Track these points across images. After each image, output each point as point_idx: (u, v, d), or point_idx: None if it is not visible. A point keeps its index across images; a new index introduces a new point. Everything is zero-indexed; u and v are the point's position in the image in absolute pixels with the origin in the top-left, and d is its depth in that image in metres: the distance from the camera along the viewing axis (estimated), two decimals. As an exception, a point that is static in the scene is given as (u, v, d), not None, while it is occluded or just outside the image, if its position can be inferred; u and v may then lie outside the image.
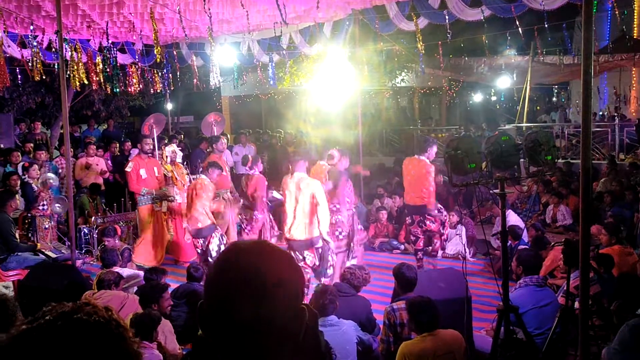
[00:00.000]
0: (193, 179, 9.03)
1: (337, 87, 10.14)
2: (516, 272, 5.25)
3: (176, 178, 8.74)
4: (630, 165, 11.22)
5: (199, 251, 7.36)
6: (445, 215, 7.68)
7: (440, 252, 8.48)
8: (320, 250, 6.49)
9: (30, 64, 9.40)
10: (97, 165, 10.58)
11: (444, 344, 3.96)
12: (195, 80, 11.18)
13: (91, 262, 8.35)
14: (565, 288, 4.64)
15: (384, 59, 14.78)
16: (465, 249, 8.11)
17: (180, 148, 9.84)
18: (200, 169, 9.38)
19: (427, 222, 7.49)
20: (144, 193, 8.27)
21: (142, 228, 8.41)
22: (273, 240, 8.04)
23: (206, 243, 7.18)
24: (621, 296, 4.62)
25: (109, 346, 1.02)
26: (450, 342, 4.01)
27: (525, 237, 7.60)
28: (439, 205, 7.65)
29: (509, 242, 6.89)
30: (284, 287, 1.13)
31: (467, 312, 4.61)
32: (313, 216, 6.34)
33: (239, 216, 8.76)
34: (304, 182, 6.42)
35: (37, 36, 9.10)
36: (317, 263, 6.49)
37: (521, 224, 7.93)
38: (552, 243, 6.97)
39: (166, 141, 11.10)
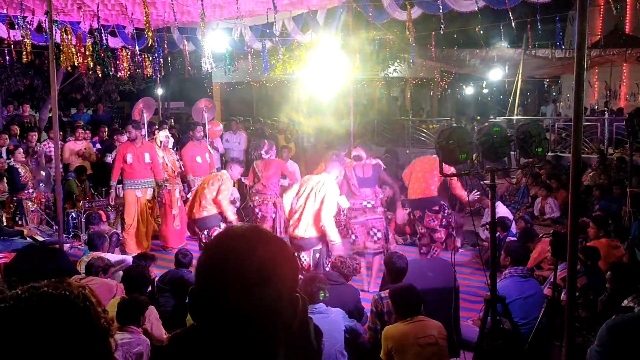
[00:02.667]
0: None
1: (329, 76, 10.09)
2: (503, 263, 5.29)
3: (166, 164, 8.68)
4: (618, 160, 11.29)
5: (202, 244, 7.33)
6: (448, 216, 7.28)
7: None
8: (317, 254, 6.30)
9: (19, 46, 9.27)
10: (85, 149, 10.50)
11: (425, 329, 4.07)
12: (186, 65, 11.07)
13: (79, 247, 8.30)
14: (552, 279, 4.68)
15: (376, 48, 14.72)
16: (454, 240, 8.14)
17: (171, 134, 9.78)
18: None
19: (426, 219, 7.17)
20: (113, 184, 8.24)
21: (125, 214, 8.35)
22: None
23: (210, 234, 7.16)
24: (614, 286, 4.66)
25: (74, 318, 1.05)
26: (432, 328, 4.10)
27: (513, 228, 7.64)
28: (444, 204, 7.29)
29: (498, 233, 6.93)
30: (278, 275, 1.11)
31: (454, 302, 4.64)
32: (319, 217, 6.17)
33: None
34: (323, 184, 6.21)
35: (26, 17, 8.96)
36: (311, 266, 6.27)
37: (510, 216, 7.97)
38: (540, 235, 7.00)
39: (157, 126, 11.01)
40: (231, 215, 7.22)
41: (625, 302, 4.22)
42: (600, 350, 1.74)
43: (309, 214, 6.18)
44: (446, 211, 7.26)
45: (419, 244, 7.59)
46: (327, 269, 6.18)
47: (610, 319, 1.75)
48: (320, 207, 6.09)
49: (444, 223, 7.19)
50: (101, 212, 8.38)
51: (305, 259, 6.28)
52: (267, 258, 1.10)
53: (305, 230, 6.20)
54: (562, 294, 4.39)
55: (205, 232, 7.18)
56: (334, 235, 6.12)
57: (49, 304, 1.04)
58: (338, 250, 6.10)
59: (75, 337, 1.04)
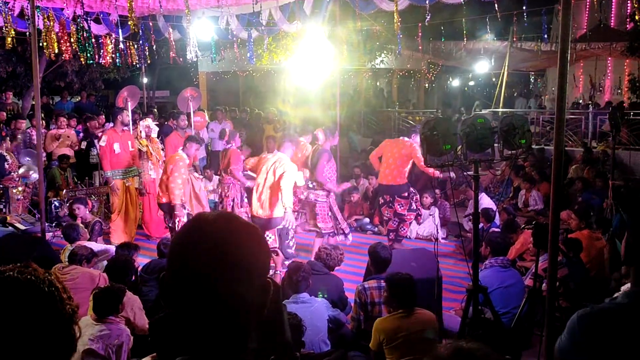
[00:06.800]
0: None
1: (316, 66, 10.05)
2: (484, 254, 5.34)
3: (151, 153, 8.61)
4: (601, 153, 11.41)
5: (169, 226, 7.34)
6: (416, 200, 7.78)
7: (414, 234, 8.56)
8: (279, 231, 6.69)
9: (1, 32, 9.10)
10: (68, 137, 10.37)
11: (418, 323, 4.01)
12: (171, 53, 10.95)
13: (61, 236, 8.20)
14: (534, 270, 4.72)
15: (363, 39, 14.67)
16: (437, 230, 8.20)
17: (156, 123, 9.68)
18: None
19: (396, 205, 7.58)
20: (109, 175, 8.09)
21: (113, 201, 8.26)
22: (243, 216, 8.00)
23: (174, 220, 7.11)
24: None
25: (38, 302, 1.06)
26: (425, 322, 4.05)
27: (497, 220, 7.70)
28: (412, 190, 7.74)
29: (482, 224, 6.99)
30: (250, 260, 1.11)
31: (437, 292, 4.67)
32: (277, 196, 6.50)
33: (212, 192, 8.69)
34: (280, 162, 6.55)
35: (8, 2, 8.80)
36: (277, 245, 6.70)
37: (494, 207, 8.03)
38: (523, 226, 7.07)
39: (140, 115, 10.91)
40: (176, 199, 6.99)
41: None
42: (570, 339, 1.74)
43: (268, 191, 6.48)
44: (414, 197, 7.74)
45: (387, 229, 7.96)
46: (291, 250, 6.77)
47: (582, 309, 1.74)
48: (280, 180, 6.39)
49: (412, 207, 7.72)
50: (75, 206, 8.18)
51: (270, 239, 6.62)
52: (238, 244, 1.10)
53: (267, 209, 6.50)
54: (544, 284, 4.44)
55: (168, 217, 7.22)
56: (288, 201, 6.42)
57: (14, 287, 1.04)
58: (290, 217, 6.52)
59: (39, 322, 1.04)
